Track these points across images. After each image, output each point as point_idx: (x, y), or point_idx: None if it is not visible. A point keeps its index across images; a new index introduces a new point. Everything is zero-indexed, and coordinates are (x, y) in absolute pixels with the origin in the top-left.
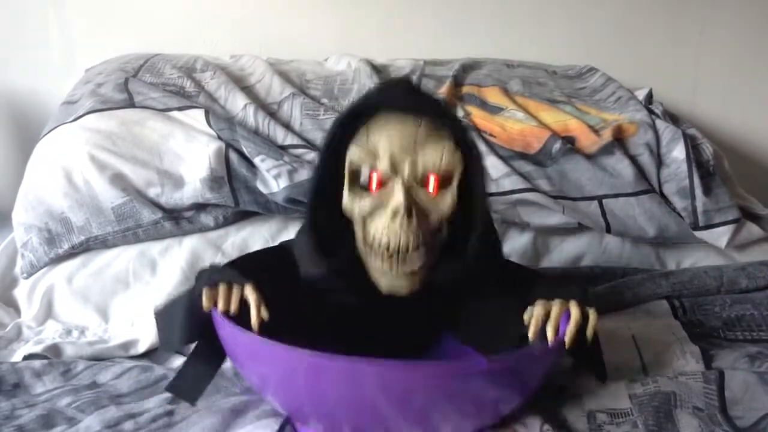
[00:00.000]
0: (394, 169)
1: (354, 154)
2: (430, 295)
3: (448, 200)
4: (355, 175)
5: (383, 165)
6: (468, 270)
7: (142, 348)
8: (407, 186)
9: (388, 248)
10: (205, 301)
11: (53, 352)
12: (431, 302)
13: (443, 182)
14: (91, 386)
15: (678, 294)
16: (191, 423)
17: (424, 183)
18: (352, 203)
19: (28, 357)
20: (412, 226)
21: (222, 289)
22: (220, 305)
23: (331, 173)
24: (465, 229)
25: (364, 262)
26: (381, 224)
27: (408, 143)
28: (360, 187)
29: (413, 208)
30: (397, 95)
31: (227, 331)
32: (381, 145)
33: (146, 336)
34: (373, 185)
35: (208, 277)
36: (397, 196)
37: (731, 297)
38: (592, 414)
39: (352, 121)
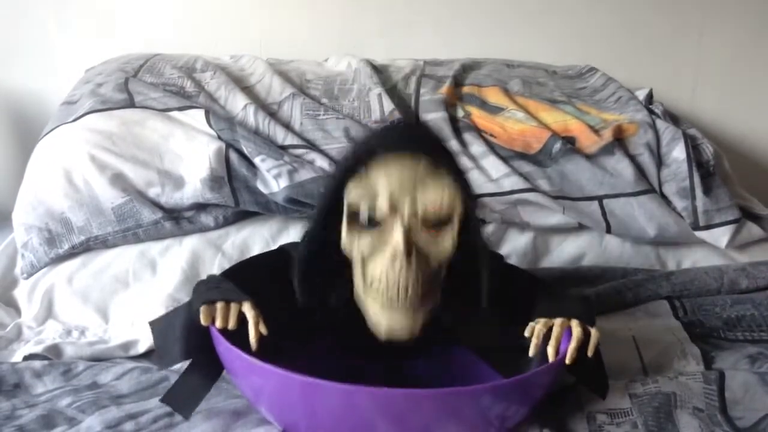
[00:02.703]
0: (394, 208)
1: (353, 193)
2: (430, 341)
3: (448, 241)
4: (354, 214)
5: (382, 203)
6: (480, 316)
7: (142, 348)
8: (407, 226)
9: (387, 291)
10: (203, 319)
11: (53, 352)
12: (430, 348)
13: (444, 222)
14: (91, 387)
15: (678, 294)
16: (192, 425)
17: (424, 223)
18: (350, 243)
19: (29, 357)
20: (411, 269)
21: (220, 306)
22: (218, 323)
23: (330, 214)
24: (465, 271)
25: (363, 305)
26: (380, 266)
27: (408, 182)
28: (359, 226)
29: (413, 249)
30: (396, 136)
31: (225, 350)
32: (380, 184)
33: (146, 336)
34: (372, 225)
35: (206, 291)
36: (397, 238)
37: (732, 297)
38: (591, 414)
39: (352, 163)
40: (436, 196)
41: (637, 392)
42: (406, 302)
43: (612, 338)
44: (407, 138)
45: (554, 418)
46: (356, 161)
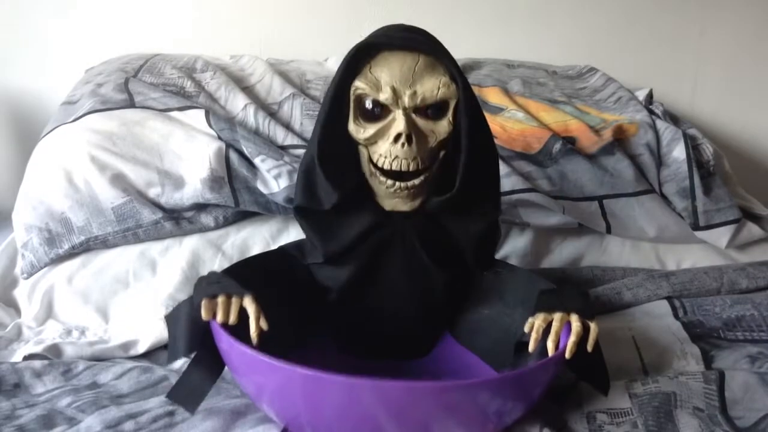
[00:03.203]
0: (395, 99)
1: (358, 86)
2: (430, 215)
3: (444, 125)
4: (360, 105)
5: (385, 95)
6: (462, 186)
7: (142, 348)
8: (407, 114)
9: (391, 170)
10: (204, 313)
11: (53, 352)
12: (432, 222)
13: (441, 110)
14: (91, 386)
15: (678, 294)
16: (192, 424)
17: (422, 111)
18: (357, 131)
19: (29, 357)
20: (412, 150)
21: (221, 300)
22: (219, 317)
23: (337, 111)
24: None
25: (369, 183)
26: (384, 148)
27: (407, 76)
28: (363, 116)
29: (413, 134)
30: (396, 35)
31: (225, 344)
32: (383, 77)
33: (146, 336)
34: (377, 112)
35: (207, 286)
36: (399, 123)
37: (731, 297)
38: (591, 414)
39: (356, 60)
40: (433, 86)
41: (637, 392)
42: (408, 180)
43: (612, 338)
44: (407, 37)
45: (554, 418)
46: (360, 58)
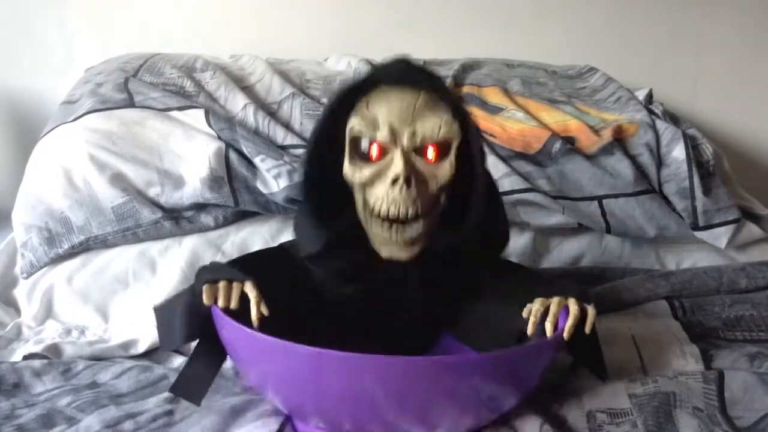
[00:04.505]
0: (393, 139)
1: (354, 124)
2: (429, 263)
3: (446, 168)
4: (355, 144)
5: (383, 135)
6: (468, 236)
7: (142, 348)
8: (406, 155)
9: (388, 215)
10: (206, 298)
11: (53, 351)
12: (430, 272)
13: (442, 151)
14: (91, 386)
15: (678, 294)
16: (191, 423)
17: (422, 152)
18: (352, 172)
19: (28, 357)
20: (411, 194)
21: (222, 285)
22: (221, 302)
23: (328, 145)
24: (465, 200)
25: (365, 229)
26: (381, 192)
27: (407, 114)
28: (360, 156)
29: (412, 176)
30: (395, 69)
31: (227, 327)
32: (380, 115)
33: (146, 336)
34: (373, 154)
35: (209, 274)
36: (397, 165)
37: (731, 297)
38: (591, 414)
39: (352, 95)
40: (434, 126)
41: (637, 392)
42: (406, 227)
43: (612, 338)
44: (406, 72)
45: (555, 416)
46: (357, 94)
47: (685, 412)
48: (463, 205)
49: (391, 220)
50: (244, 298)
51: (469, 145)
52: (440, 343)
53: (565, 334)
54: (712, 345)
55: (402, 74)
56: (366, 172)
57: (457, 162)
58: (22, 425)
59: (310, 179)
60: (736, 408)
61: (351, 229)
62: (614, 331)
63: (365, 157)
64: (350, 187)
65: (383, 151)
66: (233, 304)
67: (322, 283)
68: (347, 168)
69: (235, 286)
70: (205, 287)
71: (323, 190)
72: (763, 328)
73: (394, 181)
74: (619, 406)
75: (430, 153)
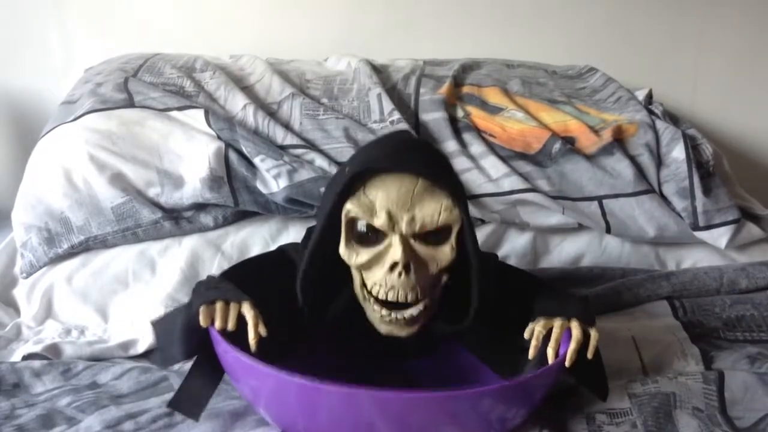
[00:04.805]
0: (392, 225)
1: (350, 208)
2: (429, 340)
3: (447, 252)
4: (352, 228)
5: (380, 221)
6: (467, 328)
7: (141, 348)
8: (405, 240)
9: (386, 300)
10: (202, 320)
11: (53, 351)
12: (430, 346)
13: (442, 236)
14: (91, 386)
15: (678, 294)
16: (191, 424)
17: (422, 237)
18: (349, 255)
19: (28, 357)
20: (410, 281)
21: (219, 306)
22: (218, 323)
23: (330, 226)
24: (465, 280)
25: (362, 306)
26: (379, 276)
27: (405, 199)
28: (356, 239)
29: (411, 262)
30: (394, 154)
31: (224, 351)
32: (378, 201)
33: (146, 336)
34: (370, 237)
35: (205, 291)
36: (396, 251)
37: (731, 297)
38: (591, 414)
39: (350, 180)
40: (433, 212)
41: (637, 392)
42: (405, 311)
43: (612, 338)
44: (405, 157)
45: (554, 419)
46: (354, 179)
47: (685, 412)
48: (463, 284)
49: (390, 304)
50: (241, 317)
51: (467, 225)
52: (441, 347)
53: (567, 362)
54: (712, 345)
55: (399, 160)
56: (363, 256)
57: (458, 246)
58: (22, 425)
59: (313, 264)
60: (736, 408)
61: (350, 308)
62: (614, 332)
63: (363, 240)
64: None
65: (381, 235)
66: (230, 326)
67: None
68: (343, 251)
69: (233, 307)
70: (201, 309)
71: (324, 266)
72: (764, 329)
73: (393, 267)
74: (619, 407)
75: (430, 237)
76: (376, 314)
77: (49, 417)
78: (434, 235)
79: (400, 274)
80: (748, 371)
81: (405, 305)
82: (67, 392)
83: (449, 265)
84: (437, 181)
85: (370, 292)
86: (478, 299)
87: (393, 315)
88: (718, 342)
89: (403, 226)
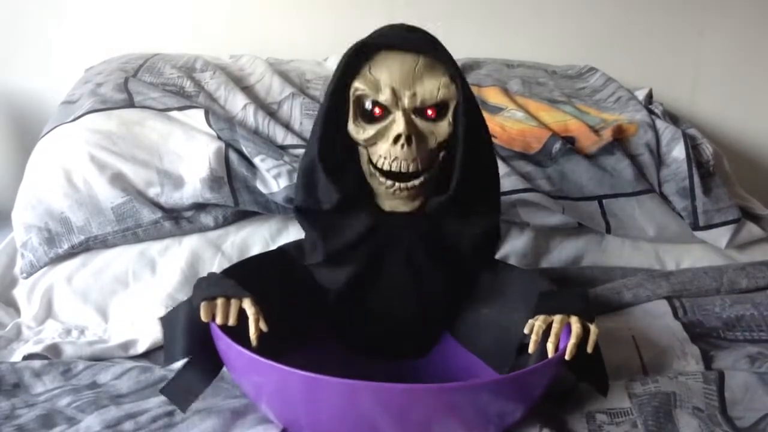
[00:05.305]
0: (395, 100)
1: (357, 87)
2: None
3: (444, 127)
4: (359, 106)
5: (385, 96)
6: (455, 192)
7: (141, 348)
8: (407, 115)
9: (390, 171)
10: (203, 315)
11: (53, 351)
12: (431, 223)
13: (441, 112)
14: (91, 386)
15: (678, 294)
16: (191, 424)
17: (422, 112)
18: (356, 131)
19: (28, 357)
20: (412, 152)
21: (220, 302)
22: (218, 319)
23: (335, 108)
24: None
25: (369, 183)
26: (384, 149)
27: (407, 77)
28: (363, 116)
29: (413, 135)
30: (396, 34)
31: (225, 346)
32: (382, 78)
33: (146, 336)
34: (376, 113)
35: (206, 287)
36: (399, 125)
37: (731, 297)
38: (591, 414)
39: (355, 60)
40: (433, 88)
41: (637, 392)
42: (407, 182)
43: (612, 338)
44: (407, 37)
45: (554, 418)
46: (359, 58)
47: (686, 412)
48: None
49: (394, 176)
50: (242, 313)
51: (466, 102)
52: (441, 343)
53: (567, 356)
54: (712, 345)
55: (403, 41)
56: (369, 131)
57: (454, 121)
58: (22, 425)
59: (322, 141)
60: (736, 408)
61: (358, 186)
62: (614, 332)
63: (368, 117)
64: (355, 145)
65: (385, 112)
66: (231, 322)
67: (321, 278)
68: (351, 127)
69: (233, 303)
70: (202, 305)
71: (333, 150)
72: (764, 328)
73: (396, 140)
74: (619, 406)
75: (430, 112)
76: (381, 187)
77: (49, 417)
78: (434, 111)
79: (402, 146)
80: (749, 371)
81: (407, 177)
82: (67, 392)
83: (447, 140)
84: (436, 58)
85: (375, 166)
86: (461, 167)
87: (397, 185)
88: (718, 342)
89: (406, 101)
